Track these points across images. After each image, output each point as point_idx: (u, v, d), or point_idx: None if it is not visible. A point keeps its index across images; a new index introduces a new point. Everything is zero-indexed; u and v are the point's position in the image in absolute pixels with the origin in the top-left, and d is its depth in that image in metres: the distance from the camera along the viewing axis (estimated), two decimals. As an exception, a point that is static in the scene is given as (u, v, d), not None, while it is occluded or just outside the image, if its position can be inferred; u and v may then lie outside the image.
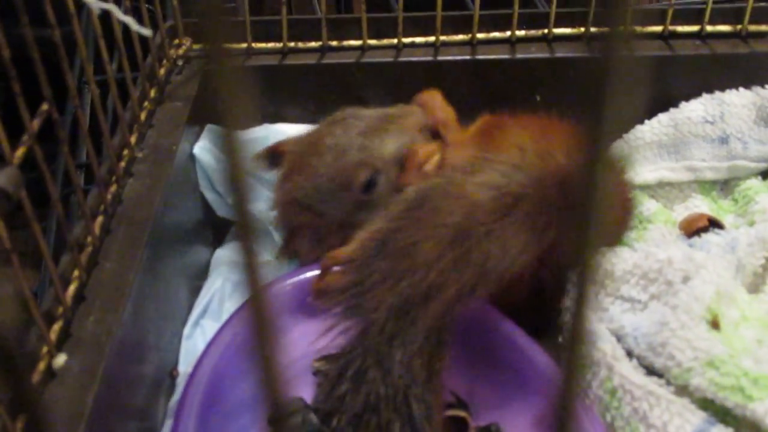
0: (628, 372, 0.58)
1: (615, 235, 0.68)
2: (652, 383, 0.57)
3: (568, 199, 0.61)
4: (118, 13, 0.58)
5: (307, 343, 0.65)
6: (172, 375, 0.68)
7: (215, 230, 0.84)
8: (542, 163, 0.60)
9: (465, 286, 0.54)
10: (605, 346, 0.60)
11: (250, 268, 0.18)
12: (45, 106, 0.56)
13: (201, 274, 0.79)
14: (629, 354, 0.60)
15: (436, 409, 0.53)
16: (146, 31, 0.66)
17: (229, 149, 0.16)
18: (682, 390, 0.57)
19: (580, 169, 0.58)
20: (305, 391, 0.63)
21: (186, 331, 0.73)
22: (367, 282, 0.55)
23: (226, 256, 0.81)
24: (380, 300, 0.54)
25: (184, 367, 0.69)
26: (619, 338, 0.61)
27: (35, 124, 0.55)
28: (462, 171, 0.60)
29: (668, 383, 0.58)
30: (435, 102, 0.75)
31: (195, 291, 0.77)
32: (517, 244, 0.56)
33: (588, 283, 0.16)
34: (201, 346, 0.65)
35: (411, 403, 0.51)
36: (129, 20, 0.60)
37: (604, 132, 0.15)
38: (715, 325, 0.59)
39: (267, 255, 0.78)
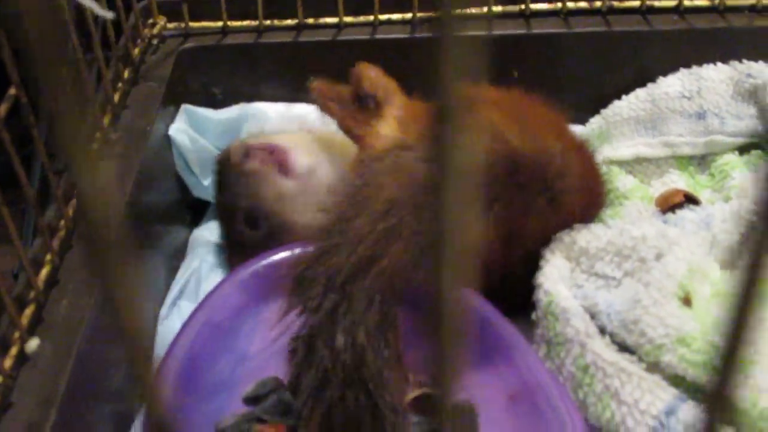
0: (601, 349, 0.58)
1: (588, 215, 0.68)
2: (624, 360, 0.58)
3: (516, 179, 0.61)
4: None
5: (282, 322, 0.66)
6: (149, 356, 0.68)
7: (192, 211, 0.84)
8: (493, 143, 0.61)
9: (400, 258, 0.54)
10: (578, 324, 0.60)
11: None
12: (13, 91, 0.56)
13: (178, 255, 0.79)
14: (602, 331, 0.61)
15: (396, 380, 0.53)
16: (108, 14, 0.66)
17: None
18: (654, 367, 0.57)
19: (529, 150, 0.58)
20: (282, 369, 0.63)
21: (163, 312, 0.73)
22: (304, 261, 0.55)
23: (203, 236, 0.81)
24: (315, 276, 0.54)
25: (162, 348, 0.69)
26: (593, 315, 0.61)
27: (3, 108, 0.54)
28: (404, 147, 0.60)
29: (640, 360, 0.58)
30: (370, 72, 0.75)
31: (172, 272, 0.77)
32: None
33: (445, 260, 0.16)
34: (178, 327, 0.65)
35: (363, 375, 0.51)
36: (90, 3, 0.60)
37: (445, 112, 0.15)
38: (687, 302, 0.59)
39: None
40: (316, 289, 0.53)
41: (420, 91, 0.70)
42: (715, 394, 0.18)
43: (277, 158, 0.73)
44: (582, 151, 0.69)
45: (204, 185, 0.82)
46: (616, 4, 0.89)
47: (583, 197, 0.66)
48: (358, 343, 0.52)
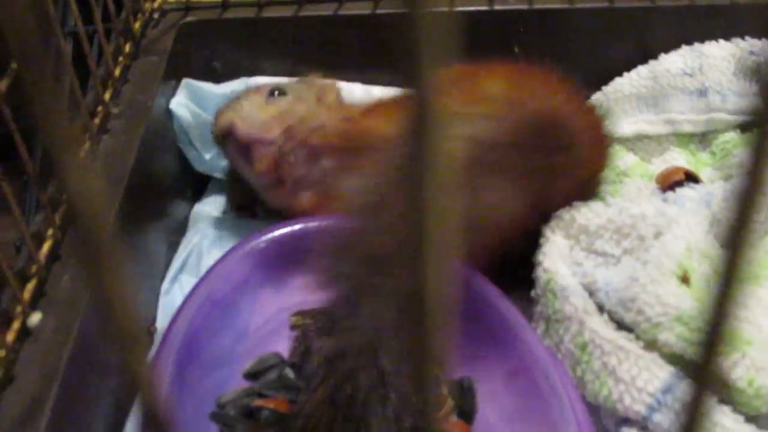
0: (599, 327, 0.59)
1: (596, 170, 0.69)
2: (622, 338, 0.58)
3: (541, 142, 0.62)
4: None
5: (282, 298, 0.66)
6: (150, 331, 0.69)
7: (194, 185, 0.84)
8: (513, 110, 0.61)
9: None
10: (577, 301, 0.60)
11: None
12: (14, 65, 0.56)
13: (180, 230, 0.80)
14: (601, 309, 0.61)
15: (407, 367, 0.53)
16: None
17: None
18: (651, 345, 0.57)
19: (550, 110, 0.57)
20: (282, 345, 0.64)
21: (164, 287, 0.73)
22: (341, 236, 0.55)
23: (205, 211, 0.81)
24: (350, 253, 0.54)
25: (163, 323, 0.70)
26: (592, 293, 0.62)
27: (3, 83, 0.54)
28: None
29: (638, 338, 0.58)
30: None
31: (173, 246, 0.77)
32: (492, 191, 0.57)
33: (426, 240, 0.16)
34: (179, 301, 0.65)
35: (378, 352, 0.51)
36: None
37: (421, 93, 0.15)
38: (685, 280, 0.59)
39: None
40: (352, 265, 0.53)
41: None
42: (702, 366, 0.18)
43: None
44: (589, 109, 0.70)
45: (205, 159, 0.82)
46: (619, -20, 0.88)
47: (595, 151, 0.68)
48: (381, 325, 0.52)
